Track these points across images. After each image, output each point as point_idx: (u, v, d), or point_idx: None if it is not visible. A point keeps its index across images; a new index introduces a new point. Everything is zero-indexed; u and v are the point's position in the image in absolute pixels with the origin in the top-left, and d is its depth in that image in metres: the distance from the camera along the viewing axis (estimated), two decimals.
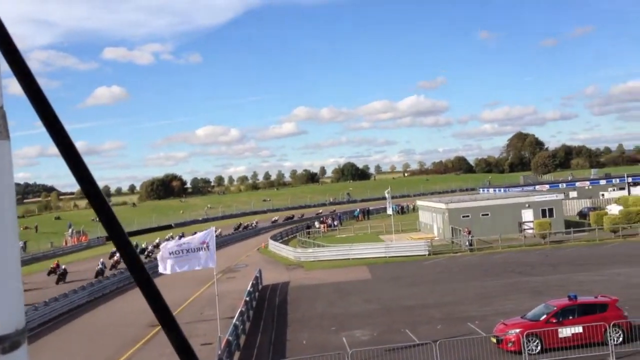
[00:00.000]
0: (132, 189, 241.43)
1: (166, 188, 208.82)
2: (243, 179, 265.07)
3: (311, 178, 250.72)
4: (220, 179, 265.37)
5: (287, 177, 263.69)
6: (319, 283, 38.97)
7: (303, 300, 33.50)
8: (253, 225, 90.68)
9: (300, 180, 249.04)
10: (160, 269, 22.17)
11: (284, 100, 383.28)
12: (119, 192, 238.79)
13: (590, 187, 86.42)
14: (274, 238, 64.72)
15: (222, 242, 70.82)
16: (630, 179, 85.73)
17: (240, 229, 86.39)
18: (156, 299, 1.38)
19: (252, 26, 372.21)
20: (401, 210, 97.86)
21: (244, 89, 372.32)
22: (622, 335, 20.09)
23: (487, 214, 55.88)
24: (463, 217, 55.39)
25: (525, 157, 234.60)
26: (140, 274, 1.37)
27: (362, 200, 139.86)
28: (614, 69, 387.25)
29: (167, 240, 67.00)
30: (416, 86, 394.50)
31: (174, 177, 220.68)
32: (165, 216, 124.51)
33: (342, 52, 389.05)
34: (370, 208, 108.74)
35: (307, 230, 74.34)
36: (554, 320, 20.52)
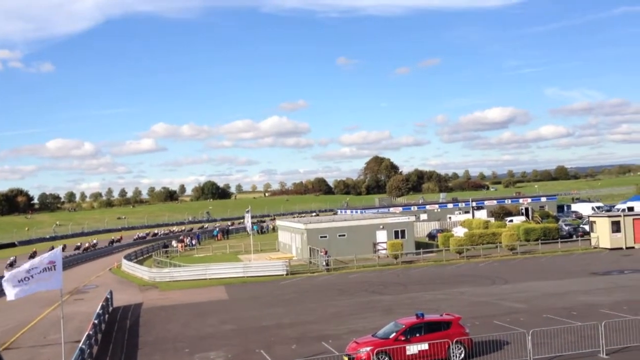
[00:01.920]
0: None
1: (10, 203, 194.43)
2: (97, 196, 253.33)
3: (170, 196, 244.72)
4: (71, 195, 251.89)
5: (145, 195, 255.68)
6: (174, 304, 37.92)
7: (156, 322, 32.41)
8: (91, 245, 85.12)
9: (158, 198, 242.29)
10: (7, 295, 20.60)
11: (143, 115, 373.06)
12: None
13: (439, 210, 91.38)
14: (128, 257, 62.28)
15: (72, 261, 67.11)
16: (474, 203, 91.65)
17: (81, 251, 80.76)
18: None
19: (112, 37, 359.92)
20: (261, 230, 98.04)
21: (100, 102, 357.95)
22: (464, 352, 21.24)
23: (344, 235, 57.38)
24: (321, 237, 56.49)
25: (381, 180, 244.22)
26: None
27: (222, 219, 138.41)
28: (462, 99, 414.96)
29: (11, 261, 62.55)
30: (278, 107, 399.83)
31: (20, 192, 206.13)
32: (7, 233, 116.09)
33: (204, 69, 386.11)
34: (230, 227, 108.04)
35: (164, 249, 72.26)
36: (403, 338, 21.31)
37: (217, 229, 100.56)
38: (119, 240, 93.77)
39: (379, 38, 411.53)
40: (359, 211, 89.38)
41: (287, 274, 47.85)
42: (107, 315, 33.76)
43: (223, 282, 45.71)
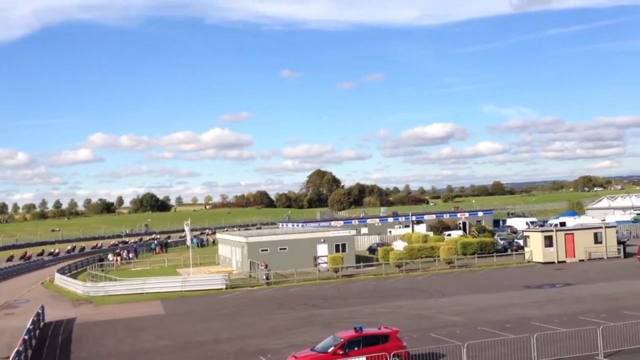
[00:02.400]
0: None
1: None
2: (30, 207, 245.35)
3: (107, 208, 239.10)
4: (3, 206, 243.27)
5: (81, 207, 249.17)
6: (108, 319, 36.92)
7: (90, 337, 31.47)
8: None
9: (94, 210, 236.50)
10: None
11: (80, 125, 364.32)
12: None
13: (379, 224, 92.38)
14: (61, 271, 60.38)
15: (2, 274, 64.68)
16: (414, 218, 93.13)
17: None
18: None
19: (49, 45, 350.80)
20: (201, 244, 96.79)
21: (35, 111, 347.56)
22: None
23: (285, 248, 57.23)
24: (262, 250, 56.16)
25: (323, 194, 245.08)
26: None
27: (161, 232, 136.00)
28: (404, 115, 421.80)
29: None
30: (220, 119, 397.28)
31: None
32: None
33: (144, 79, 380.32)
34: (169, 240, 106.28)
35: (100, 263, 70.42)
36: (341, 352, 21.36)
37: (156, 242, 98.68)
38: (57, 254, 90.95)
39: (323, 52, 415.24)
40: (300, 224, 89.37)
41: (226, 288, 47.30)
42: (38, 331, 32.59)
43: (160, 297, 44.81)
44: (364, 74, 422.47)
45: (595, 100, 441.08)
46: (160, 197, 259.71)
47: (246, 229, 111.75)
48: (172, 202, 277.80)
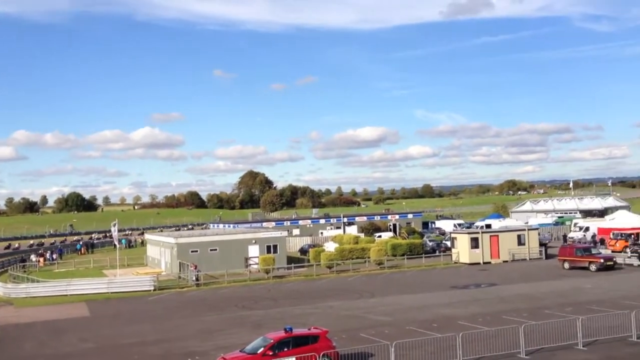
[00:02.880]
0: None
1: None
2: None
3: (30, 207, 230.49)
4: None
5: (2, 205, 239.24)
6: (30, 322, 35.57)
7: (9, 341, 30.24)
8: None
9: (17, 209, 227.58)
10: None
11: (2, 122, 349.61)
12: None
13: (311, 225, 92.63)
14: None
15: None
16: (345, 219, 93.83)
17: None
18: None
19: None
20: (129, 244, 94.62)
21: None
22: None
23: (216, 249, 56.61)
24: (192, 251, 55.36)
25: (255, 195, 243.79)
26: None
27: (87, 233, 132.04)
28: (336, 117, 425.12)
29: None
30: (151, 118, 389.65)
31: None
32: None
33: (71, 75, 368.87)
34: (95, 241, 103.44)
35: (22, 263, 67.77)
36: (270, 353, 21.30)
37: (81, 243, 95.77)
38: None
39: (257, 53, 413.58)
40: (231, 225, 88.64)
41: (154, 290, 46.37)
42: None
43: (85, 299, 43.52)
44: (298, 76, 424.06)
45: (520, 107, 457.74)
46: (87, 196, 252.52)
47: (177, 230, 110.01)
48: (99, 201, 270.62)
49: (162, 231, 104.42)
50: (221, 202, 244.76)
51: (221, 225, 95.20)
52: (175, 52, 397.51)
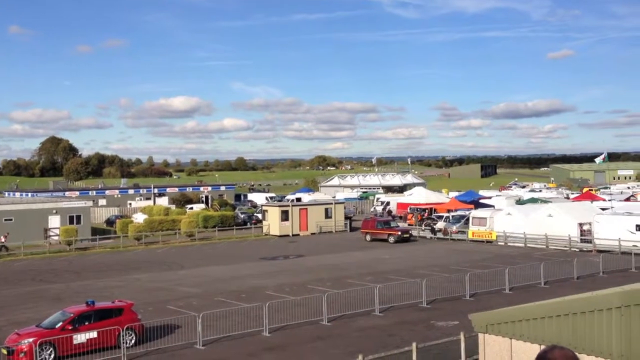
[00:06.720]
0: None
1: None
2: None
3: None
4: None
5: None
6: None
7: None
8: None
9: None
10: None
11: None
12: None
13: (119, 195, 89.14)
14: None
15: None
16: (156, 190, 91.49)
17: None
18: None
19: None
20: None
21: None
22: (134, 338, 21.00)
23: (11, 219, 52.40)
24: None
25: (57, 163, 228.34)
26: None
27: None
28: (148, 85, 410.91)
29: None
30: None
31: None
32: None
33: None
34: None
35: None
36: (70, 327, 20.24)
37: None
38: None
39: (61, 10, 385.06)
40: (30, 194, 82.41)
41: None
42: None
43: None
44: (105, 39, 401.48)
45: (332, 85, 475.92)
46: None
47: None
48: None
49: None
50: (19, 169, 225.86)
51: (18, 194, 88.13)
52: None
